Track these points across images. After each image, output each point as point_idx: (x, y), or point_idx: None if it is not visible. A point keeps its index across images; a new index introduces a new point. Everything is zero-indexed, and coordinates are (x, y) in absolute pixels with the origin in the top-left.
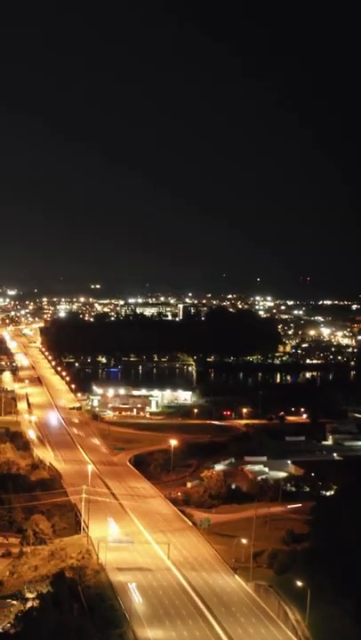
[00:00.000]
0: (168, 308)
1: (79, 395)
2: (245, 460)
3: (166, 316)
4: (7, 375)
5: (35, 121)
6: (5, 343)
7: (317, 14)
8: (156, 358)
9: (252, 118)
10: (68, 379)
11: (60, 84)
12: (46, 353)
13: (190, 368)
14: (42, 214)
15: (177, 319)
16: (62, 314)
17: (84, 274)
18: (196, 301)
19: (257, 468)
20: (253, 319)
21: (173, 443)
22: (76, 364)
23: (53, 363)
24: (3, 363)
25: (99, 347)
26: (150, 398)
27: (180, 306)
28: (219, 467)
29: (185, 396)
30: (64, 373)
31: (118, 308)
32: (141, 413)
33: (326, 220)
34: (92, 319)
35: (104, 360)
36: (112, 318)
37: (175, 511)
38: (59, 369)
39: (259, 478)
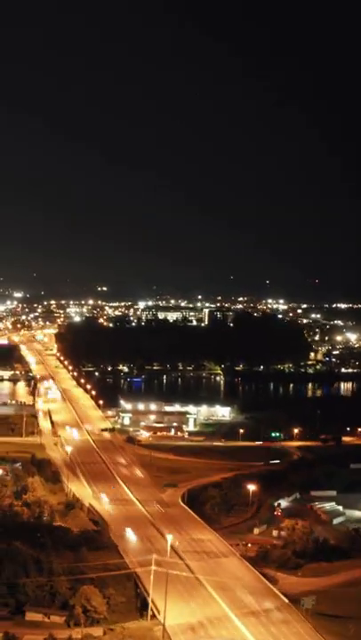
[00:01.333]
0: (192, 313)
1: (108, 412)
2: (312, 496)
3: (191, 321)
4: (22, 386)
5: (35, 121)
6: (19, 350)
7: (318, 14)
8: (180, 367)
9: (253, 118)
10: (92, 392)
11: (60, 83)
12: (65, 362)
13: (218, 378)
14: (42, 214)
15: (202, 324)
16: (77, 318)
17: (87, 275)
18: (208, 304)
19: (328, 506)
20: (280, 324)
21: (251, 488)
22: (96, 374)
23: (74, 373)
24: (17, 372)
25: (119, 354)
26: (188, 416)
27: (206, 310)
28: (283, 504)
29: (223, 412)
30: (88, 386)
31: (139, 313)
32: (179, 433)
33: (327, 220)
34: (110, 324)
35: (125, 369)
36: (133, 323)
37: (260, 580)
38: (82, 381)
39: (335, 521)
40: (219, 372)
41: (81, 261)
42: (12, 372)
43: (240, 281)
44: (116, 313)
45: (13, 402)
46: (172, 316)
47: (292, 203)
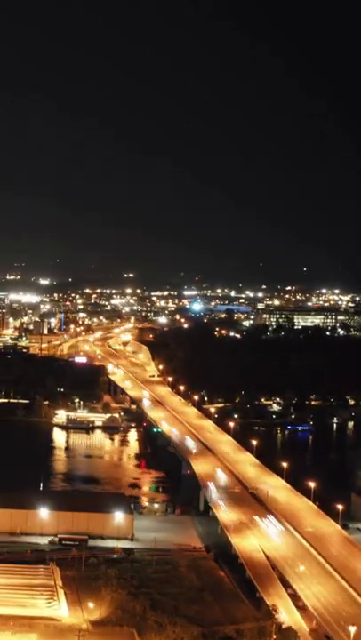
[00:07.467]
0: (336, 316)
1: None
2: None
3: (350, 329)
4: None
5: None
6: (107, 374)
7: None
8: (351, 402)
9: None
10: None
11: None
12: (190, 398)
13: None
14: (56, 201)
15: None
16: (162, 319)
17: (110, 261)
18: (254, 294)
19: None
20: None
21: None
22: (235, 415)
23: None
24: (116, 415)
25: (256, 381)
26: None
27: None
28: None
29: None
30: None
31: (266, 316)
32: None
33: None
34: (235, 334)
35: (275, 407)
36: (268, 333)
37: None
38: (277, 464)
39: None
40: None
41: (103, 248)
42: (110, 416)
43: (271, 269)
44: (171, 306)
45: (146, 503)
46: (314, 322)
47: (322, 194)
